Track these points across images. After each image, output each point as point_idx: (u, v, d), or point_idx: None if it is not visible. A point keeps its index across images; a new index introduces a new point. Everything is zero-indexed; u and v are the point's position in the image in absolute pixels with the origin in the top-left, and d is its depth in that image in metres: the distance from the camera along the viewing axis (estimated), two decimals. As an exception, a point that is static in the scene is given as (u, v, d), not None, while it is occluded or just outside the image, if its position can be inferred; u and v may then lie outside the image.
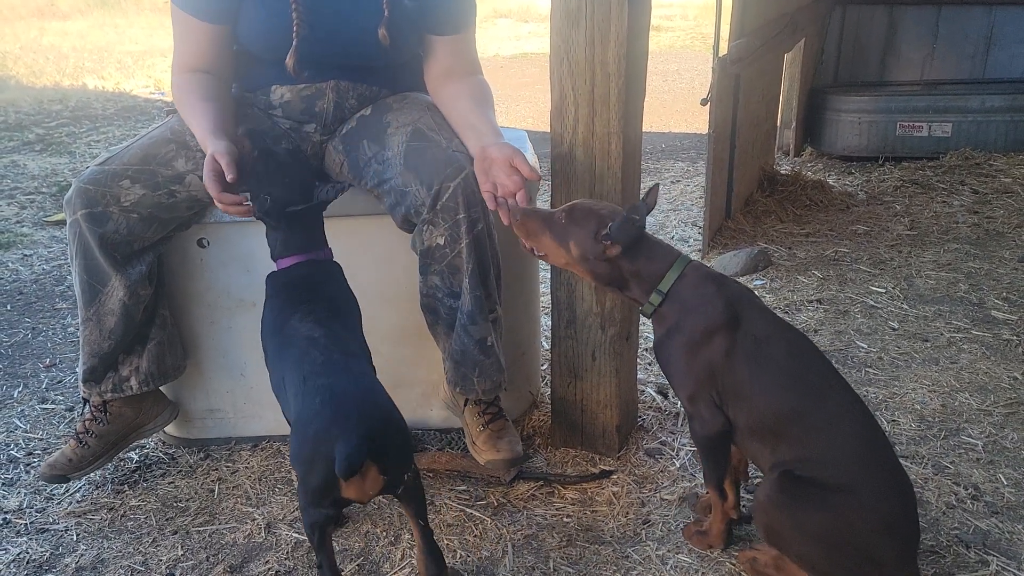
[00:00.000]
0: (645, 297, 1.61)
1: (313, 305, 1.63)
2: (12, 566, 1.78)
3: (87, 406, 2.02)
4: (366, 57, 1.90)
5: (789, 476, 1.45)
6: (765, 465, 1.53)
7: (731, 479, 1.67)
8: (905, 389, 2.33)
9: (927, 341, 2.61)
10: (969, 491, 1.88)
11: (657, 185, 1.64)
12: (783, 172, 4.37)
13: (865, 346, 2.60)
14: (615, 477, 1.98)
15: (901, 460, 1.96)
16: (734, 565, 1.67)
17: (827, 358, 1.56)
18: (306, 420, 1.44)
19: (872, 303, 2.91)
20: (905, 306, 2.87)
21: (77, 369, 1.98)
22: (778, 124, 4.67)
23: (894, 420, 2.17)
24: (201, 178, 1.88)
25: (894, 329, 2.71)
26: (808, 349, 1.55)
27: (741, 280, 3.15)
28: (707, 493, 1.71)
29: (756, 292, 2.99)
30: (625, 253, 1.58)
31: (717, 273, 1.62)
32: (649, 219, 3.94)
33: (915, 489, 1.86)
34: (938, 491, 1.88)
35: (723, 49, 3.28)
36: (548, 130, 1.90)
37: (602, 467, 2.03)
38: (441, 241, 1.81)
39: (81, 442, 1.98)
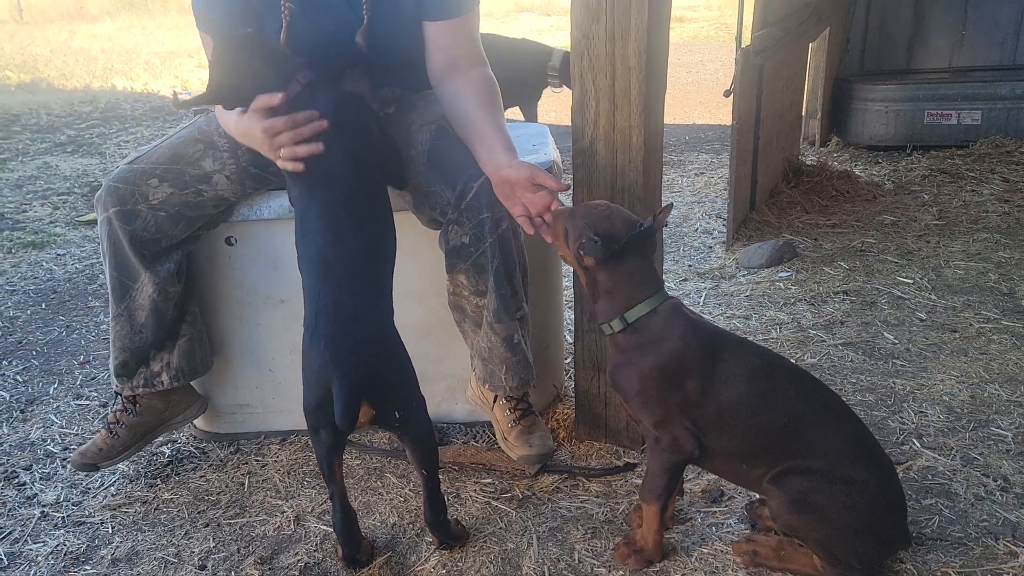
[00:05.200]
0: (608, 317, 1.57)
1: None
2: (50, 558, 1.83)
3: (119, 398, 2.07)
4: (350, 60, 1.86)
5: (798, 480, 1.47)
6: (761, 478, 1.52)
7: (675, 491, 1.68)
8: (933, 380, 2.31)
9: (956, 332, 2.58)
10: (998, 483, 1.86)
11: (670, 205, 1.61)
12: (808, 163, 4.34)
13: (892, 337, 2.57)
14: (639, 470, 1.99)
15: (929, 452, 1.97)
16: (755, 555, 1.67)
17: (798, 366, 1.59)
18: (310, 358, 1.55)
19: (899, 294, 2.88)
20: (933, 296, 2.84)
21: (109, 364, 2.02)
22: (803, 114, 4.63)
23: (922, 412, 2.15)
24: (228, 178, 1.92)
25: (922, 320, 2.68)
26: (781, 363, 1.56)
27: (766, 271, 3.14)
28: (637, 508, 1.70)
29: (782, 284, 3.00)
30: (606, 268, 1.54)
31: (691, 313, 1.58)
32: (673, 211, 3.96)
33: (944, 480, 1.87)
34: (967, 483, 1.86)
35: (746, 40, 3.26)
36: (570, 124, 1.90)
37: (626, 460, 2.04)
38: (466, 240, 1.82)
39: (112, 432, 2.03)
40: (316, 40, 1.81)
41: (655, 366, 1.52)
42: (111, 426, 2.04)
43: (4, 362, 2.79)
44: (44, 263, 3.71)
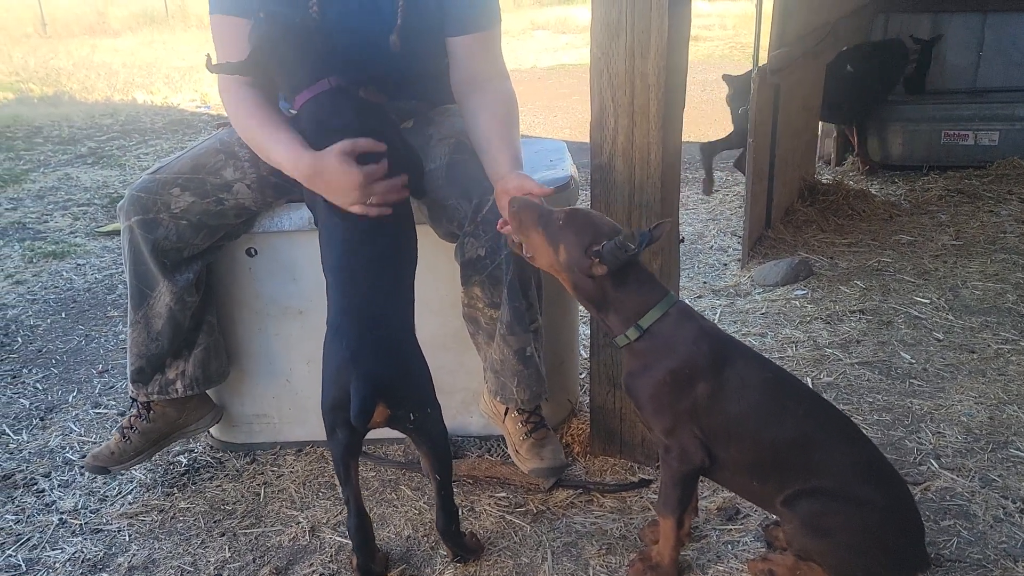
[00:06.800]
0: (622, 327, 1.56)
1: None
2: (68, 565, 1.84)
3: (134, 404, 2.09)
4: (380, 66, 1.87)
5: (809, 503, 1.46)
6: (774, 498, 1.51)
7: (691, 506, 1.67)
8: (951, 401, 2.29)
9: (973, 352, 2.57)
10: (1017, 504, 1.84)
11: (668, 221, 1.61)
12: (824, 181, 4.34)
13: (909, 357, 2.56)
14: (654, 486, 1.98)
15: (947, 473, 1.96)
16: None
17: (807, 386, 1.57)
18: (331, 356, 1.59)
19: (916, 314, 2.87)
20: (950, 317, 2.83)
21: (127, 369, 2.04)
22: (819, 134, 4.63)
23: (939, 432, 2.14)
24: (248, 187, 1.94)
25: (939, 340, 2.67)
26: (791, 380, 1.55)
27: (782, 289, 3.13)
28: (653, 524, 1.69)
29: (798, 302, 3.00)
30: (612, 276, 1.53)
31: (700, 315, 1.59)
32: (688, 228, 3.98)
33: (962, 502, 1.85)
34: (985, 504, 1.84)
35: (763, 59, 3.27)
36: (586, 140, 1.91)
37: (641, 476, 2.03)
38: (482, 252, 1.84)
39: (124, 436, 2.05)
40: (347, 35, 1.81)
41: (669, 369, 1.52)
42: (124, 430, 2.06)
43: (24, 370, 2.82)
44: (64, 273, 3.75)
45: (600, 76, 1.84)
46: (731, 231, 3.90)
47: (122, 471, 2.09)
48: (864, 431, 2.13)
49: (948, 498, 1.87)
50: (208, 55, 1.76)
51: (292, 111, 1.78)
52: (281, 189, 1.99)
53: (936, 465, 2.00)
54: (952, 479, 1.94)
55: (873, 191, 4.28)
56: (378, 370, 1.54)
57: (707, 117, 7.08)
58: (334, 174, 1.64)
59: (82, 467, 2.20)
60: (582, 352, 2.49)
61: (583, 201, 3.44)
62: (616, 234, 1.52)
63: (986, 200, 4.08)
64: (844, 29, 4.30)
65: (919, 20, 4.89)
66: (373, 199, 1.66)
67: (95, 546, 1.90)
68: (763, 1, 3.54)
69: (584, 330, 2.53)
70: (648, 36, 1.76)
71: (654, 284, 1.58)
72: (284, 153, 1.71)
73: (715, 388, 1.50)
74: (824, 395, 2.35)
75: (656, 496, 1.93)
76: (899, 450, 2.07)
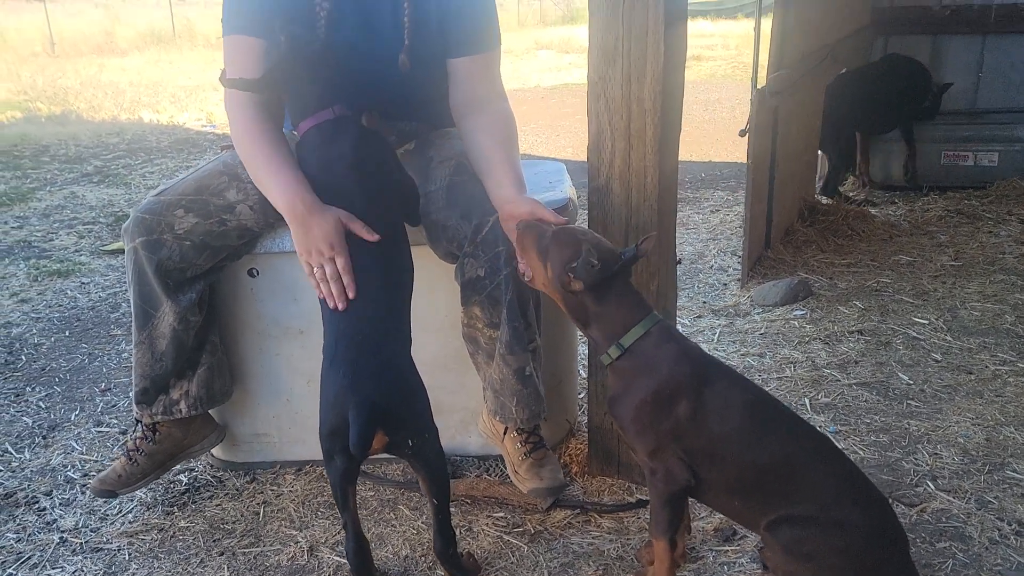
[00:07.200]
0: (605, 344, 1.58)
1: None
2: (67, 583, 1.86)
3: (139, 426, 2.10)
4: (387, 89, 1.90)
5: (789, 529, 1.46)
6: (758, 520, 1.52)
7: (683, 526, 1.67)
8: (948, 422, 2.30)
9: (971, 373, 2.58)
10: (1013, 527, 1.85)
11: (653, 235, 1.63)
12: (824, 202, 4.36)
13: (907, 378, 2.57)
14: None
15: (943, 494, 1.96)
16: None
17: (788, 408, 1.59)
18: (328, 383, 1.60)
19: (915, 334, 2.88)
20: (949, 338, 2.84)
21: (131, 391, 2.06)
22: (819, 154, 4.66)
23: (936, 453, 2.15)
24: (251, 208, 1.97)
25: (937, 361, 2.68)
26: (772, 402, 1.56)
27: (781, 310, 3.15)
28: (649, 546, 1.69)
29: (797, 322, 3.01)
30: (591, 293, 1.54)
31: (681, 335, 1.60)
32: (688, 248, 4.00)
33: (958, 524, 1.85)
34: (981, 526, 1.85)
35: (762, 80, 3.30)
36: (586, 160, 1.94)
37: (639, 496, 2.04)
38: (481, 272, 1.86)
39: (131, 459, 2.06)
40: (356, 58, 1.84)
41: (650, 389, 1.53)
42: (131, 453, 2.07)
43: (28, 388, 2.85)
44: (69, 291, 3.78)
45: (597, 100, 1.87)
46: (731, 251, 3.92)
47: (128, 494, 2.10)
48: (861, 452, 2.16)
49: (944, 520, 1.88)
50: (223, 69, 1.79)
51: (295, 133, 1.81)
52: (283, 210, 2.02)
53: (933, 486, 2.01)
54: (948, 500, 1.94)
55: (873, 211, 4.30)
56: (377, 397, 1.55)
57: (709, 137, 7.13)
58: (319, 234, 1.68)
59: (85, 488, 2.21)
60: (580, 372, 2.51)
61: (582, 222, 3.46)
62: (614, 252, 1.55)
63: (986, 221, 4.10)
64: (843, 51, 4.34)
65: (918, 42, 4.92)
66: (322, 271, 1.68)
67: (95, 565, 1.91)
68: (762, 23, 3.59)
69: (583, 350, 2.55)
70: (644, 62, 1.79)
71: (637, 302, 1.59)
72: (281, 191, 1.73)
73: (696, 409, 1.51)
74: (821, 415, 2.37)
75: (653, 517, 1.94)
76: (896, 471, 2.08)
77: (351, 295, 1.66)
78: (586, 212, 1.99)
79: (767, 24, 3.53)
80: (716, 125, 7.71)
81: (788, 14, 3.41)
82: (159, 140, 7.75)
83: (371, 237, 1.69)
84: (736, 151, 6.41)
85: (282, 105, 1.86)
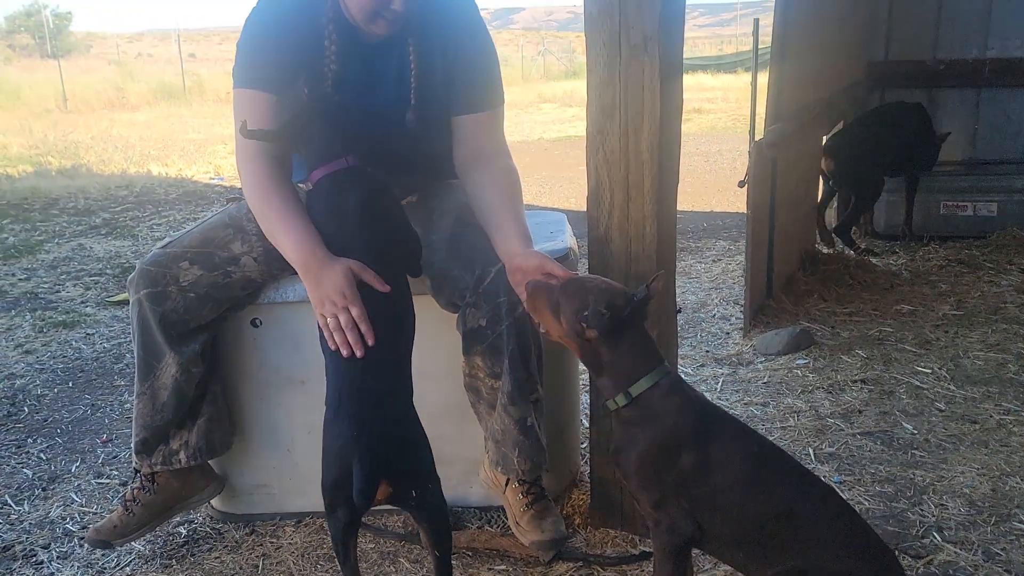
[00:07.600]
0: (613, 392, 1.57)
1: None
2: (63, 638, 1.83)
3: (138, 476, 2.09)
4: (394, 145, 1.93)
5: None
6: (763, 572, 1.49)
7: None
8: (953, 472, 2.28)
9: (976, 423, 2.56)
10: (1022, 579, 1.82)
11: (662, 272, 1.63)
12: (825, 251, 4.39)
13: (911, 427, 2.56)
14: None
15: (950, 546, 1.94)
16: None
17: (794, 459, 1.58)
18: (332, 434, 1.60)
19: (918, 384, 2.87)
20: (952, 387, 2.83)
21: (131, 441, 2.06)
22: (818, 204, 4.70)
23: (942, 504, 2.12)
24: (255, 260, 1.99)
25: (941, 410, 2.66)
26: (778, 453, 1.56)
27: (784, 359, 3.14)
28: None
29: (800, 371, 3.01)
30: (606, 340, 1.55)
31: (691, 387, 1.60)
32: (691, 297, 4.01)
33: (963, 576, 1.82)
34: (989, 579, 1.82)
35: (759, 133, 3.35)
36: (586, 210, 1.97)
37: (642, 548, 2.01)
38: (483, 323, 1.87)
39: (127, 510, 2.05)
40: (365, 115, 1.87)
41: (654, 441, 1.52)
42: (127, 503, 2.06)
43: (29, 440, 2.84)
44: (73, 342, 3.79)
45: (596, 153, 1.90)
46: (734, 300, 3.93)
47: (124, 545, 2.08)
48: (866, 503, 2.14)
49: (951, 572, 1.85)
50: (244, 121, 1.81)
51: (307, 183, 1.85)
52: (286, 262, 2.04)
53: (939, 538, 1.98)
54: (955, 552, 1.92)
55: (874, 261, 4.32)
56: (381, 449, 1.55)
57: (711, 188, 7.21)
58: (331, 285, 1.69)
59: (83, 540, 2.19)
60: (583, 422, 2.50)
61: (582, 272, 3.49)
62: (628, 296, 1.55)
63: (986, 270, 4.12)
64: (840, 103, 4.41)
65: (914, 95, 5.01)
66: (336, 321, 1.68)
67: (91, 619, 1.89)
68: (759, 77, 3.66)
69: (585, 399, 2.54)
70: (641, 116, 1.83)
71: (649, 352, 1.59)
72: (294, 245, 1.75)
73: (701, 460, 1.50)
74: (825, 465, 2.35)
75: (656, 569, 1.92)
76: (902, 522, 2.06)
77: (370, 342, 1.67)
78: (587, 261, 2.01)
79: (764, 78, 3.60)
80: (717, 176, 7.80)
81: (784, 68, 3.48)
82: (167, 193, 7.86)
83: (383, 288, 1.71)
84: (737, 201, 6.46)
85: (291, 158, 1.90)
